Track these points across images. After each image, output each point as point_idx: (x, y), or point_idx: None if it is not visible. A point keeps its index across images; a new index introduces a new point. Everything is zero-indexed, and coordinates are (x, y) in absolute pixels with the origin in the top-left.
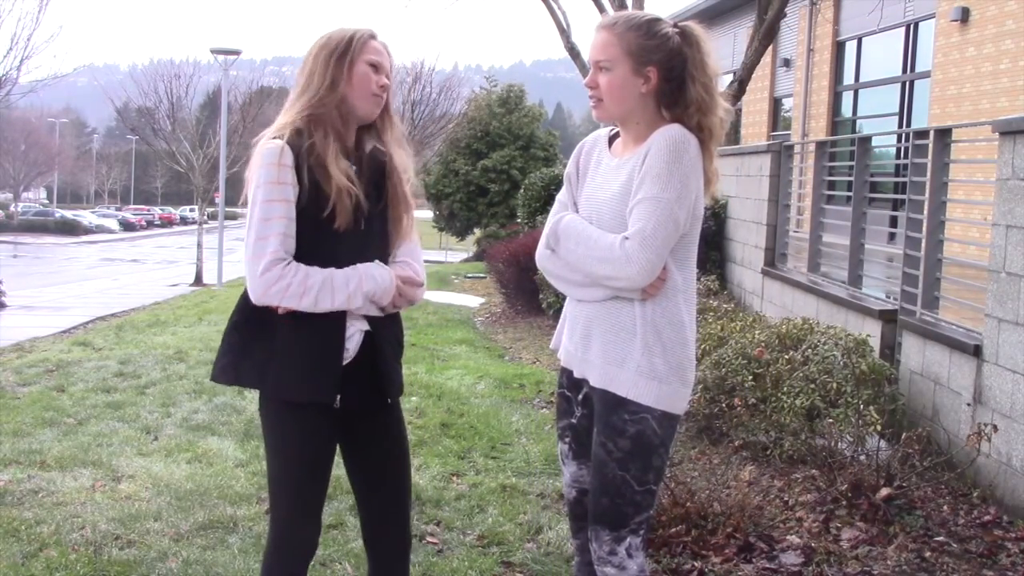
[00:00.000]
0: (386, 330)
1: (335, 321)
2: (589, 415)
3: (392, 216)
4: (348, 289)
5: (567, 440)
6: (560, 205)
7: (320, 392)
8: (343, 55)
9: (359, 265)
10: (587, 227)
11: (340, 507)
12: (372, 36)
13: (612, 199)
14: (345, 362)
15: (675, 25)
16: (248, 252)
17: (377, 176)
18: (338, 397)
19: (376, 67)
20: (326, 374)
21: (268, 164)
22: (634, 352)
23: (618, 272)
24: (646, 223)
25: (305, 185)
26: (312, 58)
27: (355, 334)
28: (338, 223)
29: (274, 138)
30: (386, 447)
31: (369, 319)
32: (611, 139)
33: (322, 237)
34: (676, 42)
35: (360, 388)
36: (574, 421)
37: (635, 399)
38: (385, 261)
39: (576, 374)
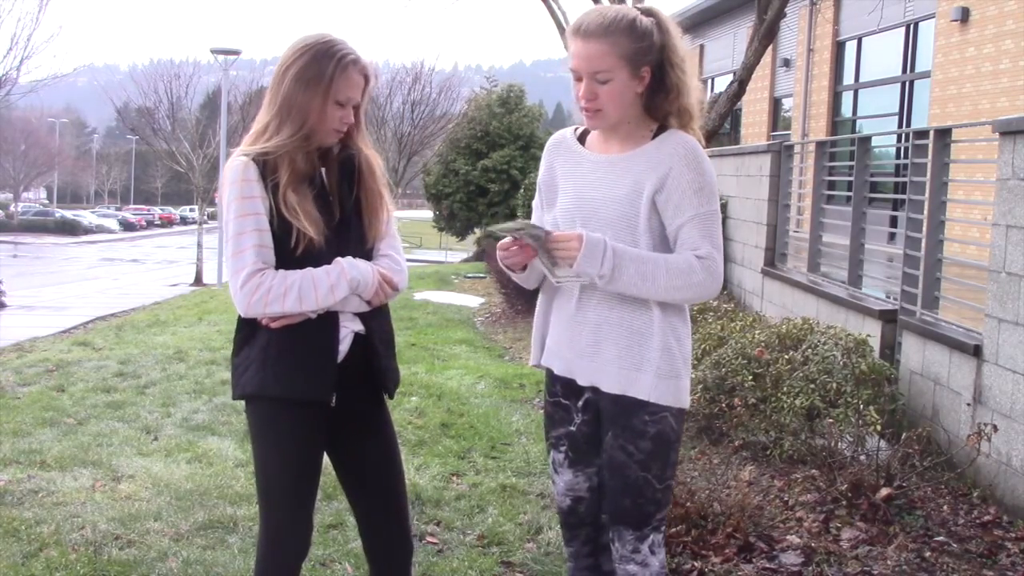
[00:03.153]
0: (378, 328)
1: (328, 321)
2: (590, 421)
3: (368, 214)
4: (330, 279)
5: (562, 449)
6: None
7: (318, 390)
8: (323, 93)
9: (338, 259)
10: (645, 255)
11: (340, 507)
12: (351, 65)
13: (616, 200)
14: (338, 362)
15: (644, 13)
16: (229, 270)
17: (348, 175)
18: (334, 396)
19: (344, 104)
20: (323, 372)
21: (234, 181)
22: (652, 354)
23: (708, 292)
24: (713, 238)
25: (271, 207)
26: (288, 82)
27: (347, 335)
28: (300, 250)
29: (240, 156)
30: (377, 449)
31: (362, 319)
32: (579, 137)
33: (295, 252)
34: (657, 33)
35: (352, 388)
36: (573, 429)
37: (656, 400)
38: (366, 256)
39: (582, 383)
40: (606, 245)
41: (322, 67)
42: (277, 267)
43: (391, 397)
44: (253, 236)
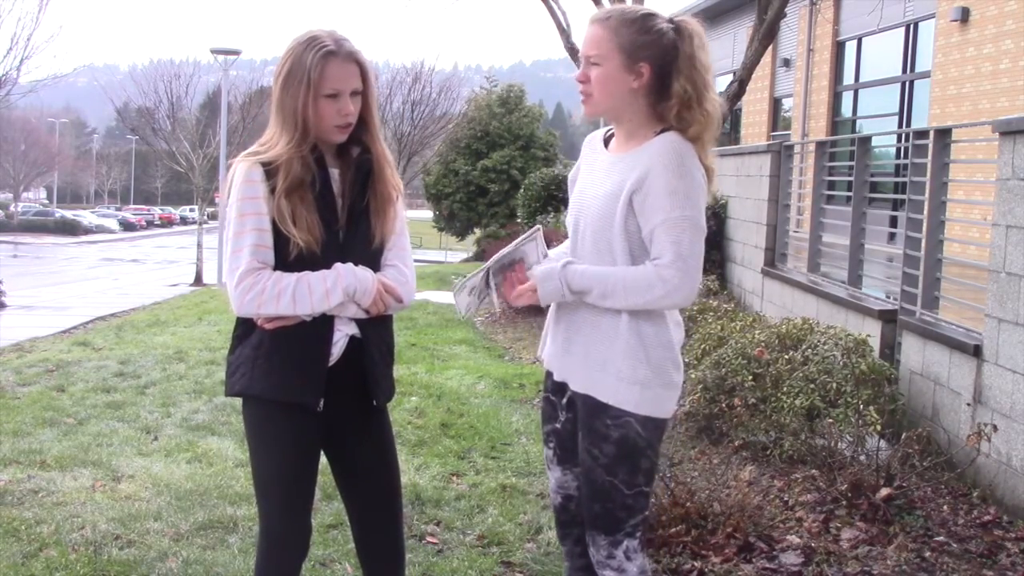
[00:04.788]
0: (375, 334)
1: (322, 324)
2: (574, 419)
3: (374, 216)
4: (325, 284)
5: (551, 445)
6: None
7: (304, 393)
8: (307, 89)
9: (337, 264)
10: (605, 272)
11: (340, 507)
12: (331, 56)
13: (602, 197)
14: (329, 365)
15: (671, 20)
16: (226, 268)
17: (363, 177)
18: (321, 400)
19: (336, 96)
20: (310, 376)
21: (238, 183)
22: (615, 356)
23: (673, 302)
24: (679, 246)
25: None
26: (279, 90)
27: (341, 338)
28: (294, 256)
29: (246, 157)
30: (372, 454)
31: (358, 323)
32: (606, 140)
33: (289, 256)
34: (670, 38)
35: (345, 392)
36: (558, 426)
37: (616, 404)
38: (373, 263)
39: (557, 376)
40: (560, 281)
41: (303, 64)
42: (275, 269)
43: (380, 407)
44: (252, 236)
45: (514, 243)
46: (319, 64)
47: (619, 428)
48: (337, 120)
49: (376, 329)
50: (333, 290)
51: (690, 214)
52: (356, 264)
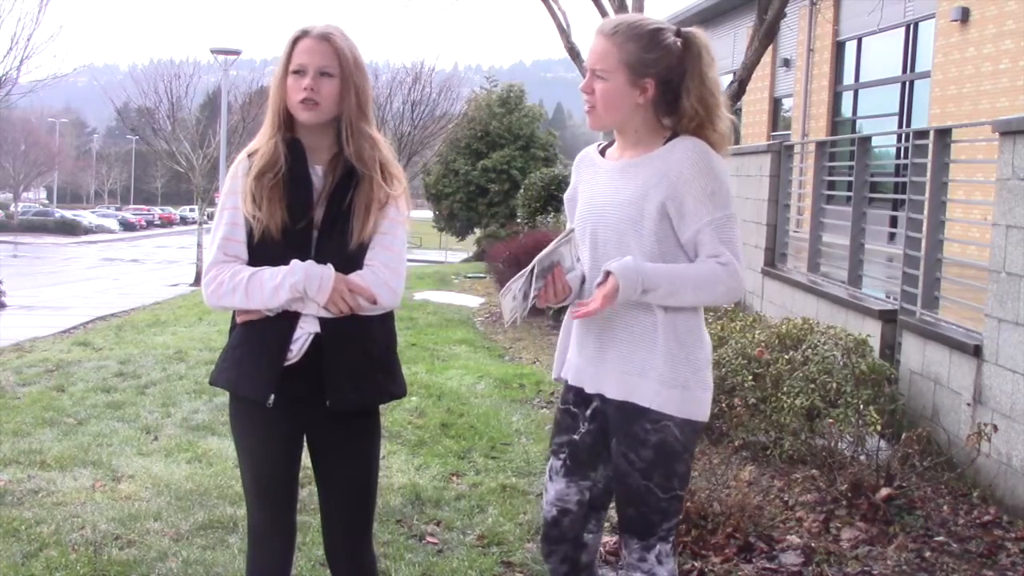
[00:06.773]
0: (340, 334)
1: (283, 321)
2: (595, 431)
3: (356, 218)
4: (274, 281)
5: (562, 456)
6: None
7: (253, 388)
8: (278, 71)
9: (293, 261)
10: (672, 270)
11: None
12: (302, 36)
13: (622, 203)
14: (290, 363)
15: (678, 32)
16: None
17: (346, 179)
18: (271, 396)
19: (301, 72)
20: (262, 371)
21: (229, 176)
22: (655, 360)
23: (732, 297)
24: (732, 243)
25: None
26: (273, 76)
27: (303, 336)
28: (256, 239)
29: (243, 153)
30: (339, 460)
31: (321, 322)
32: (602, 151)
33: (260, 239)
34: (677, 52)
35: (313, 392)
36: (576, 437)
37: (657, 408)
38: (351, 265)
39: (589, 390)
40: (639, 277)
41: (282, 55)
42: (250, 258)
43: (335, 408)
44: (224, 229)
45: (552, 245)
46: (292, 46)
47: (658, 432)
48: (300, 95)
49: (343, 328)
50: (281, 286)
51: (732, 211)
52: (327, 261)
